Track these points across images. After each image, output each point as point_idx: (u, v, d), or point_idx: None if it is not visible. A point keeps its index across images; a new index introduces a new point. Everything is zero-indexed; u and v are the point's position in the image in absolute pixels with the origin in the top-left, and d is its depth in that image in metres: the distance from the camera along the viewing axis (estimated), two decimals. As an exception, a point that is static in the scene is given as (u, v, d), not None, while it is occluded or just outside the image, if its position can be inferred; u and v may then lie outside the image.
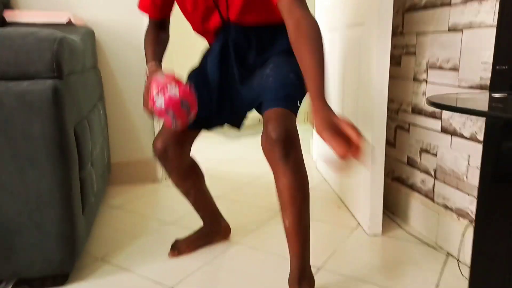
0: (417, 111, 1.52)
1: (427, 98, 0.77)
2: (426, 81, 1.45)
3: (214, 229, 1.46)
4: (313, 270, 1.26)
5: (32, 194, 1.09)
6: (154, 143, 1.21)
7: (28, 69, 1.07)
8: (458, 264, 1.28)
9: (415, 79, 1.51)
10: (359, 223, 1.60)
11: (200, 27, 1.19)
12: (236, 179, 2.22)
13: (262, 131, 0.99)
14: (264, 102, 1.05)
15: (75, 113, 1.24)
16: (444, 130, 1.37)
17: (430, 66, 1.42)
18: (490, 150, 0.85)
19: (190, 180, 1.34)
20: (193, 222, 1.63)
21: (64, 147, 1.11)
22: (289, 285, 1.09)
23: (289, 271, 1.10)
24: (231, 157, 2.73)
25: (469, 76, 1.23)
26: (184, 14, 1.18)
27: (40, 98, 1.05)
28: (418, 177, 1.54)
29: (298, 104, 1.07)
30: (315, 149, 2.50)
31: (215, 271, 1.29)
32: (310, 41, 0.84)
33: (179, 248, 1.40)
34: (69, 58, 1.20)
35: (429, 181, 1.47)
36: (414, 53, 1.51)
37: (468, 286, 0.93)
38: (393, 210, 1.68)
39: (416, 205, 1.53)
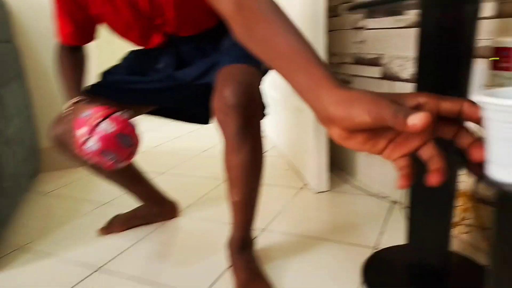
0: (358, 61, 1.45)
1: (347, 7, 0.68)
2: (365, 28, 1.37)
3: (154, 211, 1.30)
4: (257, 232, 1.18)
5: None
6: (51, 130, 1.00)
7: None
8: (400, 209, 1.24)
9: (354, 27, 1.44)
10: (306, 183, 1.54)
11: (140, 44, 1.03)
12: (182, 154, 2.10)
13: (213, 93, 0.81)
14: (219, 64, 0.89)
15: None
16: (384, 76, 1.31)
17: (366, 16, 1.35)
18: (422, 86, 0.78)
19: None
20: (132, 200, 1.51)
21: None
22: (230, 250, 1.01)
23: (230, 236, 1.01)
24: (180, 133, 2.60)
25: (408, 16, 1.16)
26: (117, 36, 1.01)
27: None
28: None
29: (261, 69, 0.91)
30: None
31: (151, 246, 1.18)
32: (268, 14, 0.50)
33: (111, 226, 1.27)
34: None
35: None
36: (351, 1, 1.43)
37: (405, 227, 0.88)
38: (341, 166, 1.63)
39: (362, 158, 1.48)
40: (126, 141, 0.85)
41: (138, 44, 1.03)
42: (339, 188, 1.48)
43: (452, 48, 0.66)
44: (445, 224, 0.83)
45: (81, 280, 1.02)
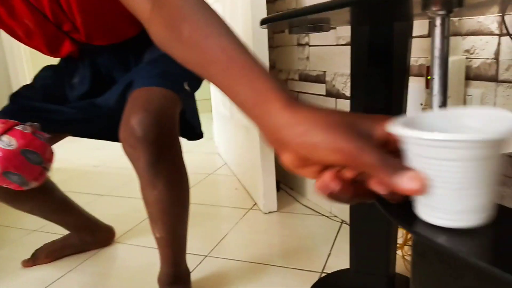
0: (304, 78, 1.43)
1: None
2: (309, 45, 1.36)
3: (86, 239, 1.18)
4: (198, 259, 1.11)
5: None
6: None
7: None
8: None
9: (299, 43, 1.43)
10: (255, 203, 1.49)
11: (48, 53, 0.89)
12: (125, 174, 1.99)
13: (121, 121, 0.71)
14: (133, 84, 0.79)
15: None
16: (329, 94, 1.30)
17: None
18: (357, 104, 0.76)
19: (29, 201, 1.00)
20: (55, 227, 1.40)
21: None
22: (159, 286, 0.91)
23: (159, 272, 0.91)
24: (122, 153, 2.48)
25: (347, 33, 1.16)
26: (22, 43, 0.88)
27: None
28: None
29: (185, 86, 0.81)
30: (216, 133, 2.36)
31: (82, 278, 1.08)
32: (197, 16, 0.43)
33: (36, 257, 1.14)
34: None
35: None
36: (295, 16, 1.42)
37: (349, 245, 0.85)
38: (291, 185, 1.59)
39: (311, 177, 1.46)
40: (34, 158, 0.73)
41: (47, 53, 0.89)
42: (288, 208, 1.43)
43: (384, 66, 0.64)
44: (388, 245, 0.80)
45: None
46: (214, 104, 2.33)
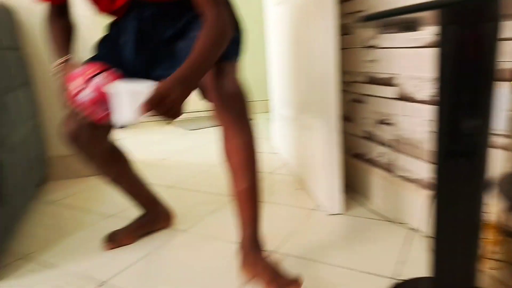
0: (371, 80, 1.42)
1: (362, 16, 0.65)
2: (377, 47, 1.35)
3: (153, 217, 1.32)
4: (267, 253, 1.14)
5: None
6: (63, 126, 1.03)
7: None
8: (420, 237, 1.19)
9: (366, 46, 1.42)
10: (318, 204, 1.49)
11: (108, 7, 1.01)
12: (190, 169, 2.08)
13: (212, 85, 0.92)
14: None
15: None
16: (399, 97, 1.28)
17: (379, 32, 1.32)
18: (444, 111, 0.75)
19: (114, 167, 1.17)
20: (137, 214, 1.49)
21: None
22: (244, 252, 1.01)
23: (241, 237, 1.03)
24: (187, 147, 2.58)
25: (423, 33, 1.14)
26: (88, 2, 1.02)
27: None
28: (376, 151, 1.45)
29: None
30: (274, 136, 2.39)
31: (156, 261, 1.15)
32: (210, 37, 0.85)
33: (118, 239, 1.25)
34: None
35: (387, 153, 1.38)
36: (366, 18, 1.42)
37: (430, 258, 0.83)
38: (355, 188, 1.58)
39: (376, 180, 1.44)
40: None
41: (103, 7, 1.01)
42: (353, 211, 1.43)
43: (471, 69, 0.63)
44: (472, 257, 0.77)
45: (81, 298, 0.99)
46: (274, 105, 2.36)
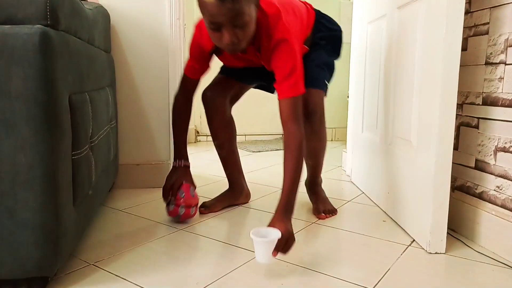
0: (491, 101, 1.23)
1: None
2: (505, 63, 1.17)
3: (237, 190, 1.62)
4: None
5: (4, 169, 0.84)
6: (204, 91, 1.48)
7: (15, 12, 0.85)
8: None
9: (488, 62, 1.24)
10: (414, 239, 1.29)
11: (233, 64, 1.45)
12: (258, 189, 1.94)
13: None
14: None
15: (73, 79, 1.01)
16: (532, 121, 1.08)
17: (511, 44, 1.15)
18: None
19: (227, 133, 1.54)
20: (204, 228, 1.37)
21: (52, 112, 0.87)
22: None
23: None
24: (254, 168, 2.46)
25: None
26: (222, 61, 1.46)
27: (24, 43, 0.82)
28: (491, 184, 1.23)
29: (326, 83, 1.47)
30: (348, 164, 2.21)
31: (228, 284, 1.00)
32: (293, 157, 1.16)
33: (209, 206, 1.53)
34: (69, 11, 0.99)
35: (509, 186, 1.16)
36: (487, 32, 1.24)
37: None
38: (455, 227, 1.35)
39: (489, 219, 1.22)
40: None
41: (231, 64, 1.47)
42: (457, 252, 1.21)
43: None
44: None
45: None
46: (351, 131, 2.20)
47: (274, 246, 1.02)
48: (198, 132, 3.59)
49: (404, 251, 1.21)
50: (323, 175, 1.64)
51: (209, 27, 1.10)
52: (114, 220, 1.48)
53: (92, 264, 1.09)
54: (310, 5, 1.49)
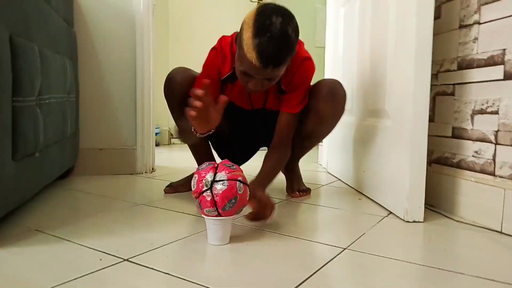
0: (466, 65, 1.19)
1: None
2: (479, 23, 1.13)
3: None
4: (337, 250, 0.87)
5: None
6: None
7: None
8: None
9: (462, 25, 1.20)
10: (391, 212, 1.21)
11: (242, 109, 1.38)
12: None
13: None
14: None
15: (16, 20, 0.91)
16: (508, 76, 1.04)
17: (484, 2, 1.11)
18: None
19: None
20: (171, 203, 1.27)
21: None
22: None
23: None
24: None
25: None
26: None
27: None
28: (469, 150, 1.18)
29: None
30: (324, 157, 2.15)
31: (191, 245, 0.89)
32: (282, 157, 1.27)
33: (175, 186, 1.43)
34: None
35: (487, 149, 1.11)
36: (459, -4, 1.22)
37: None
38: (433, 203, 1.28)
39: (468, 186, 1.15)
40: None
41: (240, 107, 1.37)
42: (437, 221, 1.14)
43: None
44: None
45: (102, 268, 0.75)
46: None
47: (229, 226, 0.90)
48: (172, 134, 3.48)
49: (380, 221, 1.13)
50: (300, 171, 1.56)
51: (241, 71, 1.08)
52: (69, 197, 1.35)
53: (36, 230, 0.97)
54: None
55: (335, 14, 1.98)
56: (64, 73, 1.35)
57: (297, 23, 1.07)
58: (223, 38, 1.24)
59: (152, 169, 1.90)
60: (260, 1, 3.58)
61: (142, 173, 1.82)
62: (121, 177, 1.72)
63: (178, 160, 2.44)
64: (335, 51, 1.99)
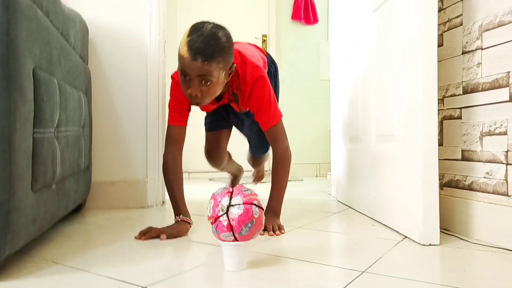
0: (471, 89, 1.22)
1: None
2: (482, 48, 1.17)
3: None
4: (356, 273, 0.87)
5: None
6: (207, 155, 1.82)
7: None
8: None
9: (465, 51, 1.24)
10: (406, 236, 1.20)
11: (206, 109, 1.59)
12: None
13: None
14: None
15: (40, 54, 0.96)
16: (514, 98, 1.06)
17: (485, 29, 1.16)
18: None
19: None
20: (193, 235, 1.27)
21: (11, 70, 0.81)
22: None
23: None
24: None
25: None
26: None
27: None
28: (480, 171, 1.18)
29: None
30: (333, 186, 2.15)
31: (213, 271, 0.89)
32: (283, 169, 1.37)
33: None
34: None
35: (498, 170, 1.11)
36: (461, 24, 1.27)
37: None
38: (447, 226, 1.28)
39: (482, 208, 1.15)
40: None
41: (204, 109, 1.60)
42: (452, 244, 1.13)
43: None
44: None
45: (117, 297, 0.74)
46: (335, 149, 2.17)
47: (246, 251, 0.90)
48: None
49: (395, 245, 1.12)
50: (309, 201, 1.57)
51: (180, 73, 1.18)
52: (82, 229, 1.36)
53: (53, 261, 0.97)
54: (260, 48, 1.69)
55: (339, 47, 2.04)
56: (80, 107, 1.39)
57: (229, 34, 1.20)
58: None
59: (162, 202, 1.90)
60: (265, 39, 3.70)
61: (153, 206, 1.83)
62: (132, 211, 1.72)
63: (186, 191, 2.44)
64: (340, 82, 2.03)
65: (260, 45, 3.69)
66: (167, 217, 1.59)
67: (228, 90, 1.35)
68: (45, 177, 0.99)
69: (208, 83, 1.15)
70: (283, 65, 3.73)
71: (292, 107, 3.49)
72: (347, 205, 1.83)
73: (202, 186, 2.81)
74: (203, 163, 1.88)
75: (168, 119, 1.37)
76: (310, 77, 3.77)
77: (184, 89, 1.20)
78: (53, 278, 0.85)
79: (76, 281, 0.83)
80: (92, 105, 1.71)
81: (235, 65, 1.25)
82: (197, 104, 1.26)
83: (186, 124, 1.37)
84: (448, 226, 1.27)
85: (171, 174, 1.32)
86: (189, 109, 1.37)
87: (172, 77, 1.37)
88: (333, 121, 2.22)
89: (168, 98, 1.42)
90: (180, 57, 1.15)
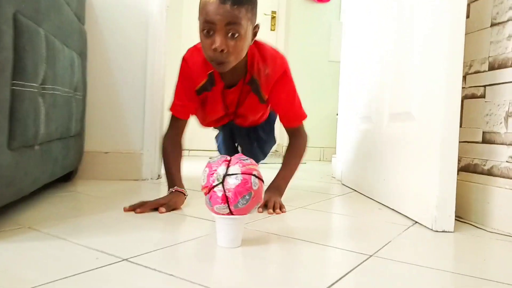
0: (499, 64, 1.11)
1: None
2: (513, 19, 1.06)
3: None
4: (363, 257, 0.78)
5: None
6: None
7: None
8: None
9: (494, 23, 1.13)
10: (416, 221, 1.11)
11: (210, 124, 1.56)
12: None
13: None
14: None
15: (22, -2, 0.86)
16: (549, 74, 0.95)
17: (520, -3, 1.04)
18: None
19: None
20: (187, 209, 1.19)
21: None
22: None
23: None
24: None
25: None
26: (199, 116, 1.46)
27: None
28: (502, 155, 1.08)
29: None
30: (338, 169, 2.05)
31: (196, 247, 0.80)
32: (297, 153, 1.33)
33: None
34: None
35: (525, 154, 1.01)
36: (491, -7, 1.15)
37: None
38: (462, 214, 1.18)
39: (502, 195, 1.05)
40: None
41: (207, 124, 1.53)
42: (467, 232, 1.04)
43: None
44: None
45: (98, 267, 0.66)
46: (341, 129, 2.07)
47: (242, 227, 0.81)
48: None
49: (405, 230, 1.03)
50: (312, 183, 1.48)
51: (202, 29, 1.07)
52: (70, 198, 1.27)
53: (29, 227, 0.89)
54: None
55: (352, 25, 1.92)
56: (72, 67, 1.29)
57: None
58: (190, 49, 1.29)
59: (158, 175, 1.82)
60: (274, 15, 3.56)
61: (148, 179, 1.74)
62: (126, 182, 1.64)
63: (185, 167, 2.36)
64: (351, 62, 1.92)
65: (268, 21, 3.56)
66: (162, 191, 1.51)
67: (245, 77, 1.25)
68: (25, 136, 0.90)
69: (236, 35, 1.05)
70: (292, 44, 3.60)
71: (299, 89, 3.37)
72: (352, 189, 1.74)
73: (202, 164, 2.71)
74: (204, 141, 1.80)
75: (171, 107, 1.29)
76: (319, 57, 3.64)
77: (206, 48, 1.08)
78: (24, 244, 0.77)
79: (49, 249, 0.75)
80: (87, 70, 1.61)
81: (259, 24, 1.16)
82: (221, 66, 1.10)
83: (188, 118, 1.31)
84: (462, 214, 1.17)
85: (170, 152, 1.27)
86: (198, 95, 1.28)
87: (184, 58, 1.27)
88: (341, 103, 2.12)
89: (168, 73, 1.34)
90: (204, 5, 1.04)
